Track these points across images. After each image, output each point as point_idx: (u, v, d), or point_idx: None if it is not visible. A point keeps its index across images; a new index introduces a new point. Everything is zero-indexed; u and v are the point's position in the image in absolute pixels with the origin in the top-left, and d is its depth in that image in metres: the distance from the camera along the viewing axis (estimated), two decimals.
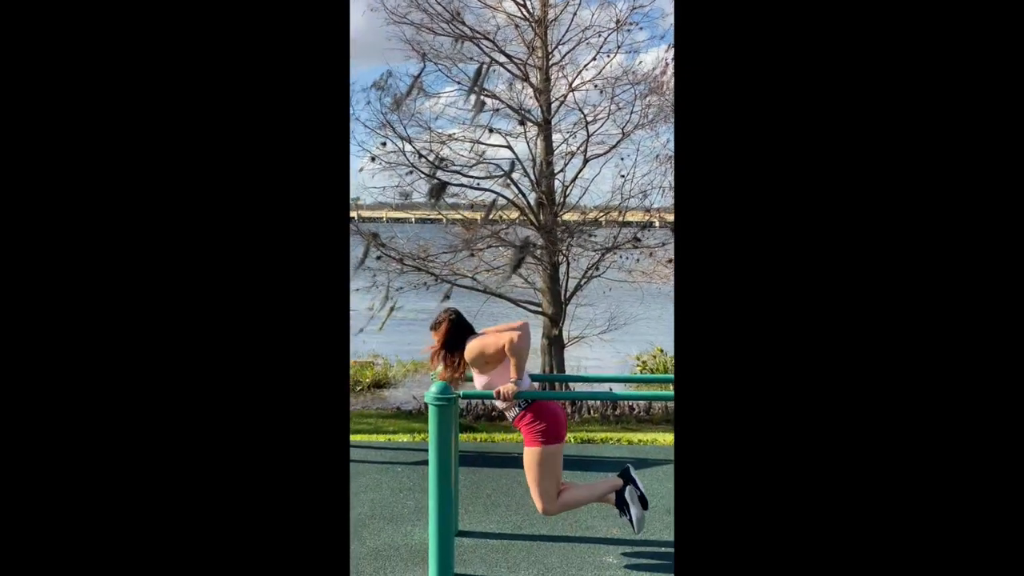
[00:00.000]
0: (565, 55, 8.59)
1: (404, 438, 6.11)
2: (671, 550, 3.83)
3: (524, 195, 8.48)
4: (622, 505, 3.75)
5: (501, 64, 8.36)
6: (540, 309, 8.73)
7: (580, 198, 8.72)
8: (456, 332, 3.78)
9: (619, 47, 8.26)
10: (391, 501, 4.57)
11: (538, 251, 8.28)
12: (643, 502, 3.75)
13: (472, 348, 3.69)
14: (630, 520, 3.72)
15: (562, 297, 8.63)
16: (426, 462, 5.27)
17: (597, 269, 8.30)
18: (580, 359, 9.80)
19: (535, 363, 9.38)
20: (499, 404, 3.80)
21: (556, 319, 8.62)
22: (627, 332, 9.11)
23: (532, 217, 8.45)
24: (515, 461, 5.32)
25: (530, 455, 3.66)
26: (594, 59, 8.47)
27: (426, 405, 3.60)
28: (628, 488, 3.75)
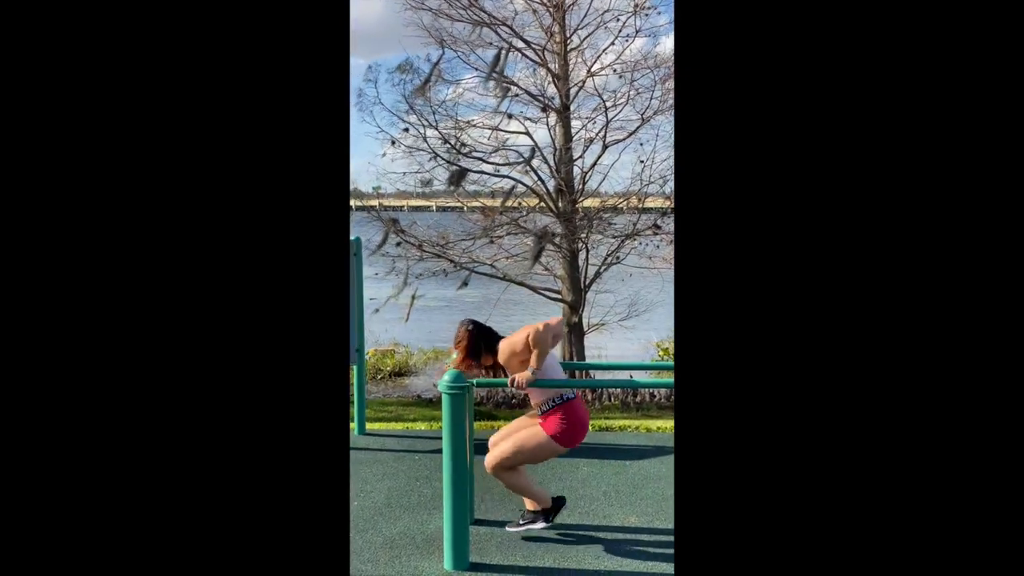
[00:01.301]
0: (583, 40, 8.52)
1: (422, 426, 6.11)
2: None
3: (543, 182, 8.44)
4: (533, 519, 3.90)
5: (519, 50, 8.31)
6: (560, 296, 8.69)
7: (599, 184, 8.67)
8: (477, 341, 3.83)
9: (638, 31, 8.19)
10: (408, 489, 4.56)
11: (557, 238, 8.24)
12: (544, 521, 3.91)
13: (503, 350, 3.74)
14: (519, 525, 3.93)
15: (582, 284, 8.59)
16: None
17: (617, 257, 8.25)
18: (600, 346, 9.76)
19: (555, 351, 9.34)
20: (531, 397, 3.80)
21: (576, 306, 8.59)
22: (647, 319, 9.06)
23: (551, 204, 8.41)
24: None
25: (538, 434, 3.71)
26: (612, 43, 8.40)
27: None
28: (547, 517, 3.89)
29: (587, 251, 8.38)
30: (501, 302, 8.73)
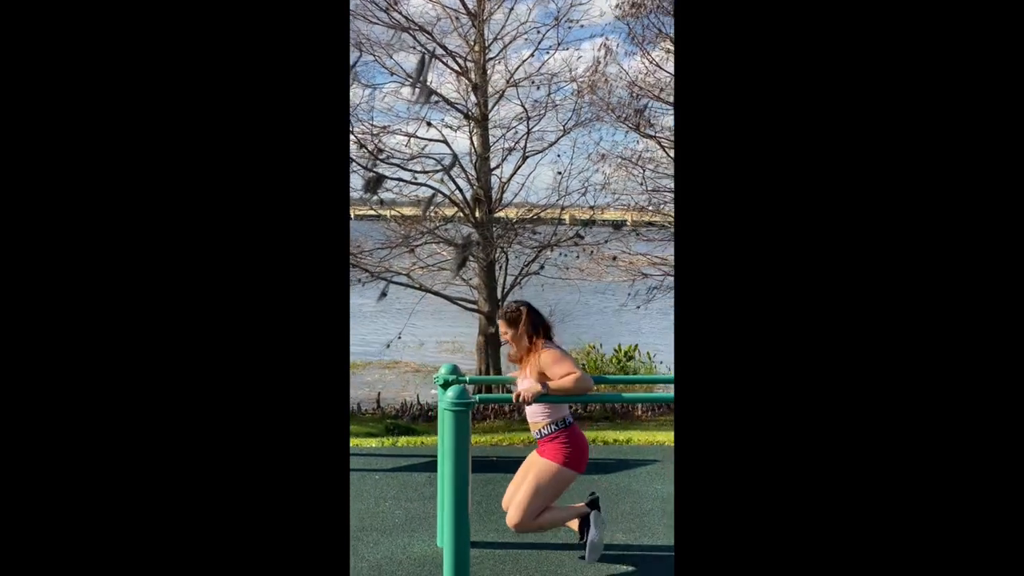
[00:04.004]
0: (500, 52, 8.48)
1: (372, 443, 5.87)
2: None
3: (461, 191, 8.33)
4: (584, 528, 3.71)
5: (438, 57, 8.18)
6: (476, 307, 8.60)
7: (516, 195, 8.63)
8: (536, 318, 3.72)
9: (559, 43, 8.22)
10: (378, 511, 4.36)
11: (475, 248, 8.15)
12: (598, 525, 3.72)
13: (547, 360, 3.56)
14: (585, 544, 3.69)
15: (498, 294, 8.53)
16: (403, 469, 5.12)
17: (540, 267, 8.22)
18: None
19: (471, 363, 9.24)
20: (532, 418, 3.67)
21: (492, 317, 8.51)
22: (561, 330, 9.06)
23: (469, 214, 8.31)
24: (502, 466, 5.17)
25: (547, 468, 3.56)
26: (532, 55, 8.41)
27: (428, 410, 3.43)
28: (594, 513, 3.71)
29: (507, 260, 8.33)
30: (417, 314, 8.56)
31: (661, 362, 10.08)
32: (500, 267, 8.46)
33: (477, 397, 3.52)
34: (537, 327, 3.70)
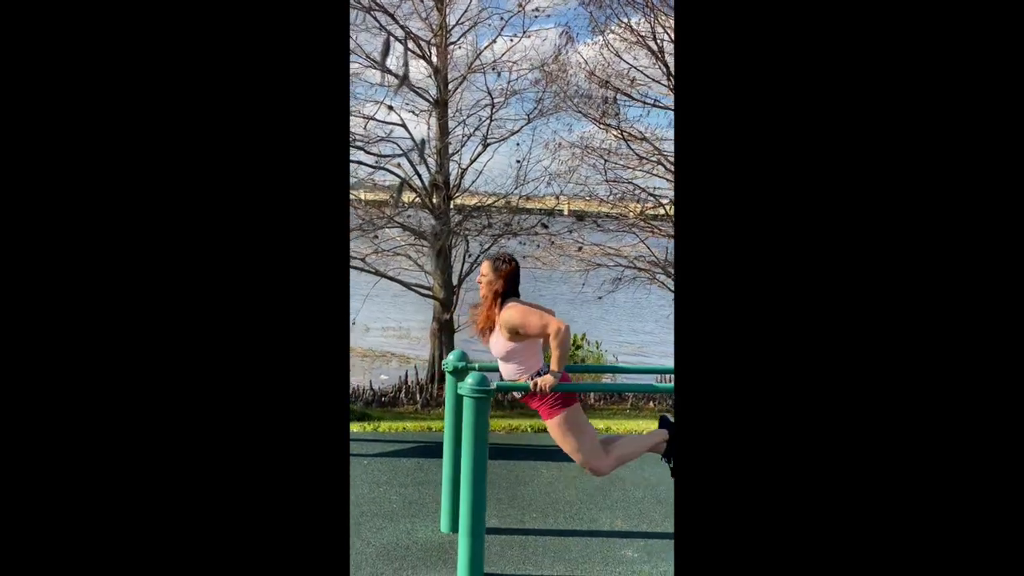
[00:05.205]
0: (460, 37, 8.42)
1: (355, 428, 5.78)
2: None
3: (420, 176, 8.25)
4: (672, 455, 3.73)
5: (399, 40, 8.06)
6: (431, 293, 8.54)
7: (473, 182, 8.60)
8: (515, 281, 3.59)
9: (525, 31, 8.20)
10: (374, 497, 4.31)
11: (444, 238, 8.09)
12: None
13: (514, 315, 3.46)
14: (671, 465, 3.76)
15: (454, 281, 8.49)
16: (389, 454, 5.07)
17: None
18: (469, 345, 9.68)
19: (418, 350, 9.20)
20: (504, 374, 3.65)
21: (447, 304, 8.48)
22: None
23: (427, 200, 8.25)
24: (509, 453, 5.14)
25: (555, 425, 3.54)
26: (494, 42, 8.38)
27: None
28: (669, 437, 3.75)
29: (467, 245, 8.29)
30: (371, 299, 8.45)
31: (606, 350, 10.20)
32: (466, 253, 8.41)
33: (496, 384, 3.52)
34: (508, 290, 3.59)
